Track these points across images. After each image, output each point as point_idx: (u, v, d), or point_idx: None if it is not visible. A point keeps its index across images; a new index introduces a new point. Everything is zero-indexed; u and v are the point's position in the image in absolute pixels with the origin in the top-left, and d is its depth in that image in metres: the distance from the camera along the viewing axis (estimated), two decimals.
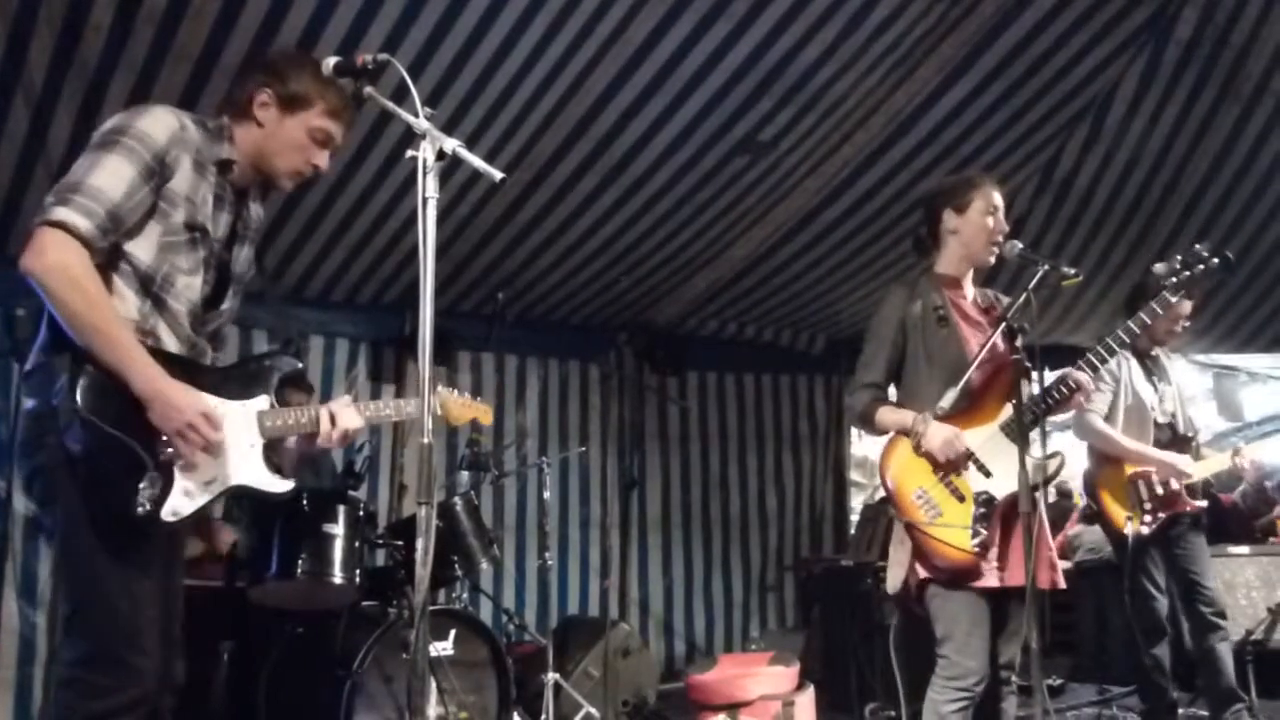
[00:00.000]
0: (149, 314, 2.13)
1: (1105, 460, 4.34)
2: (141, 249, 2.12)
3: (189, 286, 2.20)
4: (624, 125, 4.49)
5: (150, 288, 2.14)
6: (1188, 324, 4.44)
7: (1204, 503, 4.29)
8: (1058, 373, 2.97)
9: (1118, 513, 4.26)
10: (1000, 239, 3.06)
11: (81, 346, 1.99)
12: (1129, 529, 4.19)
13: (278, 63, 2.31)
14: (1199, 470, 4.24)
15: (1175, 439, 4.32)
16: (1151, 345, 4.41)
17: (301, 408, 2.34)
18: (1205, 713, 4.36)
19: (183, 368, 2.13)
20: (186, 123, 2.19)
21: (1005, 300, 3.15)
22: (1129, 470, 4.25)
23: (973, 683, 2.80)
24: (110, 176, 2.04)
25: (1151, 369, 4.40)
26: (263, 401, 2.28)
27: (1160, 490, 4.17)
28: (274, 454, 4.04)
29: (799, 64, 4.37)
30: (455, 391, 2.84)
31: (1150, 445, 4.26)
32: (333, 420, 2.31)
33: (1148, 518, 4.18)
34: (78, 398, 1.97)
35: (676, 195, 5.02)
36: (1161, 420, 4.32)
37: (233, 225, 2.32)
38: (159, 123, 2.13)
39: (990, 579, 2.83)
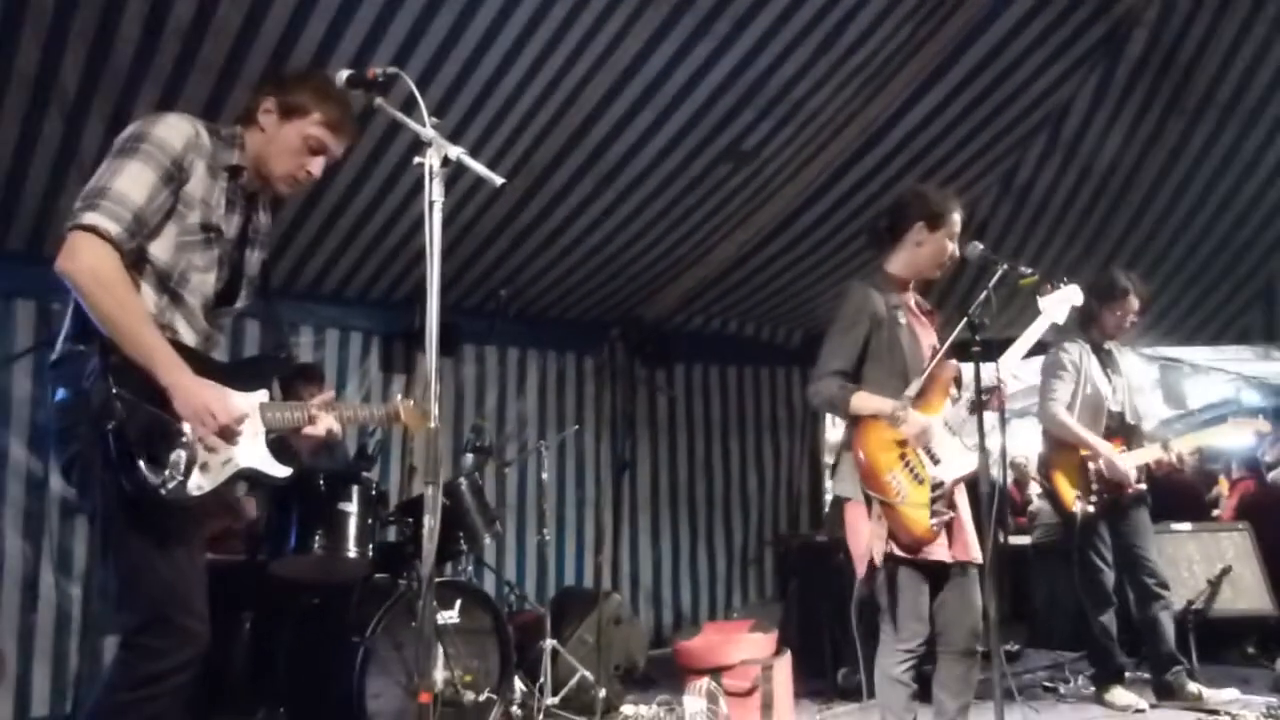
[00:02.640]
0: (166, 308, 2.15)
1: (1060, 445, 4.36)
2: (160, 248, 2.13)
3: (203, 283, 2.22)
4: (616, 135, 4.49)
5: (168, 284, 2.15)
6: (1135, 319, 4.46)
7: (1144, 486, 4.32)
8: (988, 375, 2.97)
9: (1068, 493, 4.30)
10: (949, 262, 3.09)
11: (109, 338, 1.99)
12: (1078, 508, 4.23)
13: (285, 76, 2.39)
14: (1132, 460, 4.27)
15: (1123, 426, 4.36)
16: (1104, 339, 4.44)
17: (295, 404, 2.38)
18: (1148, 675, 4.40)
19: (199, 361, 2.15)
20: (200, 130, 2.20)
21: (929, 307, 3.19)
22: (1080, 455, 4.28)
23: (917, 644, 2.86)
24: (133, 182, 2.05)
25: (1106, 362, 4.42)
26: (263, 395, 2.30)
27: (1108, 473, 4.21)
28: (293, 441, 4.06)
29: (778, 78, 4.38)
30: (412, 402, 2.86)
31: (1101, 432, 4.29)
32: (313, 419, 2.35)
33: (1094, 498, 4.21)
34: (110, 377, 1.97)
35: (665, 200, 5.02)
36: (1114, 409, 4.36)
37: (243, 228, 2.33)
38: (175, 130, 2.14)
39: (936, 553, 2.86)
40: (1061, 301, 3.17)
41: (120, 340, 1.99)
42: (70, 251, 1.99)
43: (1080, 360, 4.33)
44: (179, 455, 2.03)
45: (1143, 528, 4.32)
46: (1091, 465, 4.24)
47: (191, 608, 2.08)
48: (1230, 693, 4.14)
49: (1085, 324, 4.37)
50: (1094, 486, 4.22)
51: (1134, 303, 4.36)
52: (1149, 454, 4.31)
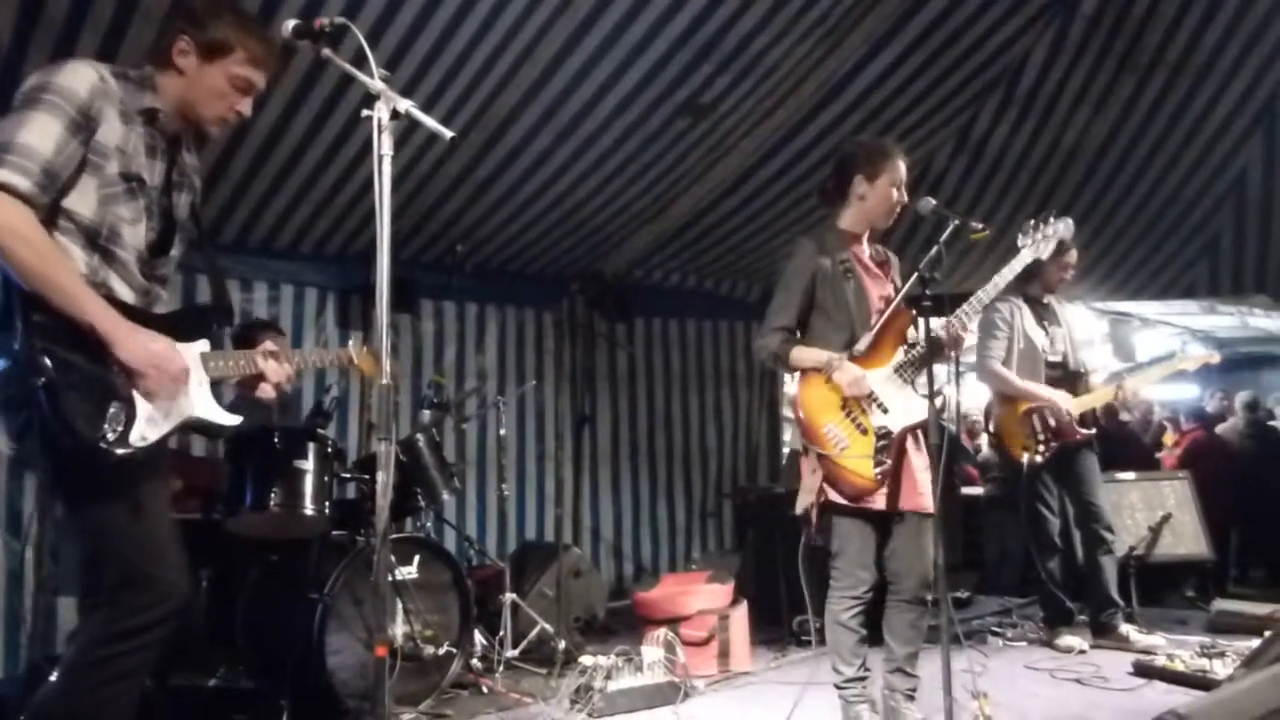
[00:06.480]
0: (98, 267, 2.06)
1: (1003, 398, 4.48)
2: (82, 204, 2.04)
3: (134, 235, 2.12)
4: (573, 89, 4.43)
5: (97, 241, 2.06)
6: (1073, 272, 4.58)
7: (1093, 430, 4.44)
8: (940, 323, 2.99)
9: (1014, 444, 4.41)
10: (899, 209, 3.11)
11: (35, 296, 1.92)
12: (1025, 458, 4.34)
13: (196, 10, 2.18)
14: (1084, 403, 4.39)
15: (1067, 375, 4.47)
16: (1043, 293, 4.55)
17: (238, 352, 2.31)
18: (1085, 617, 4.55)
19: (135, 317, 2.07)
20: (106, 75, 2.08)
21: (894, 258, 3.21)
22: (1023, 407, 4.39)
23: (863, 591, 2.95)
24: (39, 134, 1.95)
25: (1042, 314, 4.54)
26: (204, 345, 2.24)
27: (1052, 422, 4.33)
28: (261, 395, 4.01)
29: (736, 32, 4.34)
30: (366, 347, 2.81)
31: (1041, 383, 4.39)
32: (259, 367, 2.30)
33: (1041, 448, 4.33)
34: (35, 335, 1.91)
35: (623, 154, 4.99)
36: (1053, 359, 4.47)
37: (168, 173, 2.22)
38: (80, 76, 2.03)
39: (879, 503, 2.93)
40: (1049, 237, 3.16)
41: (47, 294, 1.92)
42: None
43: (1011, 317, 4.46)
44: (117, 407, 1.99)
45: (1091, 475, 4.44)
46: (1035, 417, 4.35)
47: (167, 560, 2.06)
48: (1158, 638, 4.30)
49: (1028, 279, 4.46)
50: (1040, 436, 4.34)
51: (1073, 255, 4.50)
52: (1103, 396, 4.43)
